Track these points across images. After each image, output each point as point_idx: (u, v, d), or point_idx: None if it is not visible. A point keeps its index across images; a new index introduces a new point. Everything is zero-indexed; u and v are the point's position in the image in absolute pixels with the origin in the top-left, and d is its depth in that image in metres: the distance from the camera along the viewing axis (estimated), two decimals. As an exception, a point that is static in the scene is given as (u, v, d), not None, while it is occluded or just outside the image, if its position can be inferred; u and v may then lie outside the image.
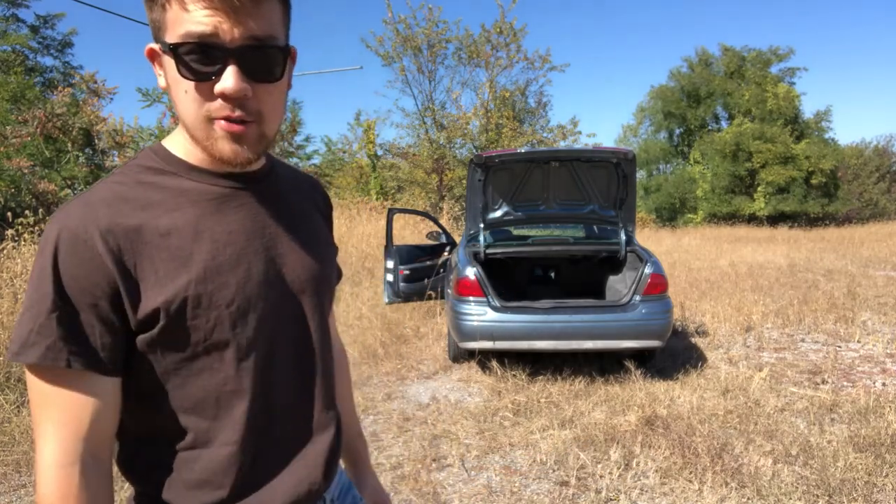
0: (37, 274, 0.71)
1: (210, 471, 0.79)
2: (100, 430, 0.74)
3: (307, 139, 15.75)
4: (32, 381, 0.72)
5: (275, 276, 0.82)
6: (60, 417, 0.72)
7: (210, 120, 0.73)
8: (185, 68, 0.71)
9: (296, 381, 0.86)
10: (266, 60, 0.73)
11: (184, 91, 0.72)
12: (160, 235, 0.74)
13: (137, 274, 0.73)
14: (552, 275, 6.04)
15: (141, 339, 0.75)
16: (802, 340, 5.83)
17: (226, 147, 0.74)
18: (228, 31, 0.69)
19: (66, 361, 0.70)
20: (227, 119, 0.73)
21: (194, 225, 0.77)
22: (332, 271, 0.94)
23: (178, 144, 0.81)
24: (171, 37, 0.71)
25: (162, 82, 0.77)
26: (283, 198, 0.88)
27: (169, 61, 0.72)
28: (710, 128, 32.57)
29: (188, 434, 0.79)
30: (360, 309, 6.78)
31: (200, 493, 0.79)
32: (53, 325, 0.70)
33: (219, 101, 0.72)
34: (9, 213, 7.45)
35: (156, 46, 0.75)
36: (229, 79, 0.70)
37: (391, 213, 6.41)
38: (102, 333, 0.72)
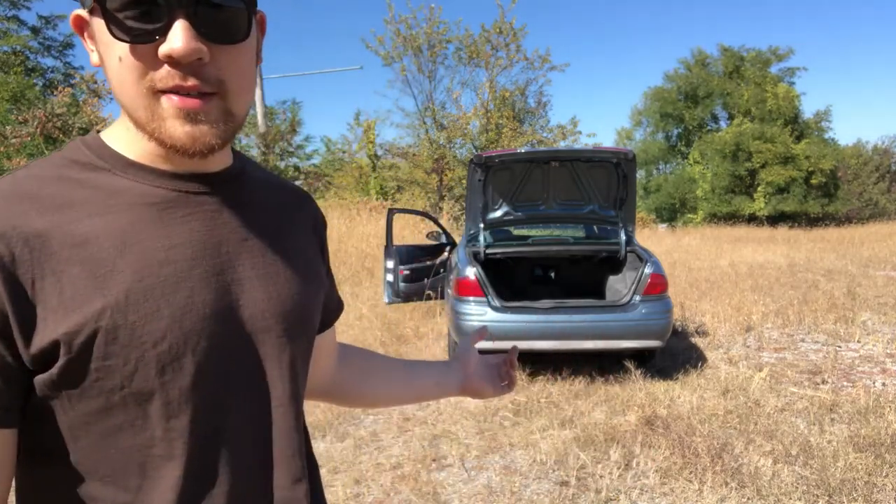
0: None
1: None
2: None
3: (307, 139, 15.76)
4: None
5: (227, 309, 0.62)
6: None
7: (155, 93, 0.55)
8: (117, 27, 0.54)
9: (250, 448, 0.65)
10: (225, 15, 0.56)
11: (117, 58, 0.55)
12: (73, 245, 0.56)
13: (35, 294, 0.54)
14: (552, 275, 6.05)
15: (39, 379, 0.56)
16: (802, 340, 5.83)
17: (178, 129, 0.56)
18: None
19: None
20: (178, 91, 0.55)
21: (122, 235, 0.58)
22: (312, 305, 0.72)
23: (118, 136, 0.63)
24: None
25: (95, 58, 0.60)
26: (253, 208, 0.68)
27: (98, 23, 0.56)
28: (709, 128, 32.59)
29: None
30: (360, 309, 6.78)
31: None
32: None
33: (165, 68, 0.54)
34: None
35: (83, 12, 0.58)
36: (177, 36, 0.53)
37: (391, 213, 6.41)
38: None
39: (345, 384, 0.94)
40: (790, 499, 2.79)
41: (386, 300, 6.25)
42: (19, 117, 9.54)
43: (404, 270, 6.16)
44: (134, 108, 0.57)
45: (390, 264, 6.12)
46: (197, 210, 0.63)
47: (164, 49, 0.54)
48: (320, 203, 13.59)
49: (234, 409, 0.63)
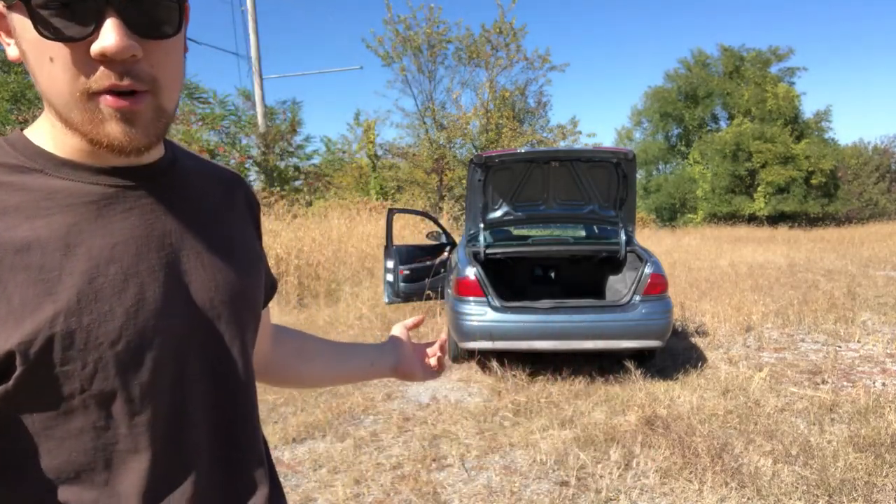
0: None
1: None
2: None
3: (307, 139, 15.71)
4: None
5: (179, 300, 0.63)
6: None
7: (90, 96, 0.54)
8: (45, 27, 0.52)
9: (213, 434, 0.66)
10: (155, 10, 0.55)
11: (48, 59, 0.53)
12: (15, 251, 0.54)
13: None
14: (552, 275, 6.05)
15: None
16: (802, 340, 5.83)
17: (116, 129, 0.55)
18: None
19: None
20: (114, 91, 0.54)
21: (64, 237, 0.57)
22: (256, 288, 0.74)
23: (44, 133, 0.60)
24: None
25: (13, 52, 0.57)
26: (190, 197, 0.68)
27: (21, 20, 0.53)
28: (709, 128, 32.58)
29: None
30: (360, 309, 6.78)
31: None
32: None
33: (100, 69, 0.53)
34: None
35: None
36: (110, 34, 0.52)
37: (391, 213, 6.41)
38: None
39: (280, 364, 0.94)
40: (790, 499, 2.79)
41: (386, 300, 6.25)
42: (19, 117, 9.53)
43: (404, 270, 6.16)
44: (68, 109, 0.55)
45: (390, 264, 6.12)
46: (136, 205, 0.62)
47: (96, 47, 0.52)
48: (320, 203, 13.63)
49: (195, 396, 0.64)
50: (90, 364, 0.56)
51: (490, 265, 5.27)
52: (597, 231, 5.76)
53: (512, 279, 5.83)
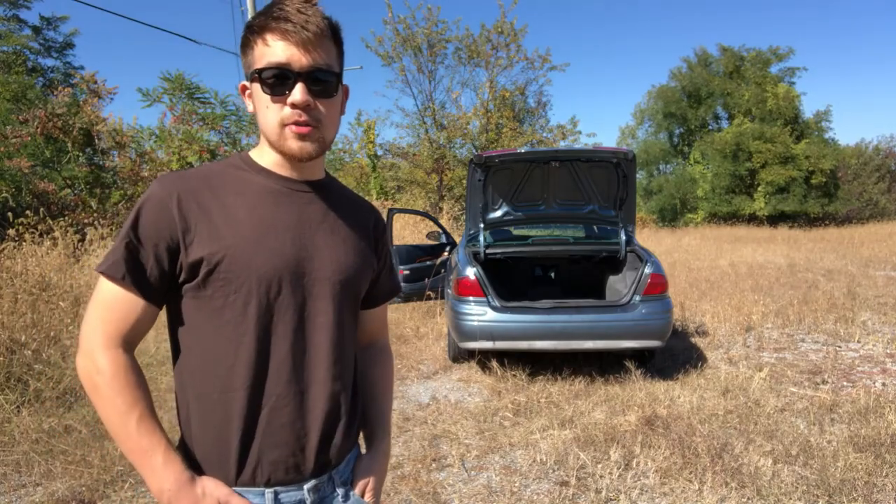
0: (130, 215, 0.96)
1: (225, 414, 0.97)
2: (136, 332, 0.97)
3: (307, 139, 15.65)
4: (100, 283, 0.96)
5: (302, 260, 1.01)
6: (111, 315, 0.95)
7: (283, 125, 0.97)
8: (267, 87, 0.96)
9: (296, 347, 1.00)
10: (324, 82, 0.97)
11: (265, 106, 0.97)
12: (220, 206, 0.97)
13: (196, 230, 0.95)
14: (552, 275, 6.04)
15: (187, 287, 0.97)
16: (802, 340, 5.83)
17: (294, 144, 0.98)
18: (298, 60, 0.95)
19: (122, 274, 0.93)
20: (296, 123, 0.96)
21: (250, 207, 0.99)
22: (361, 277, 1.11)
23: (258, 153, 1.06)
24: (258, 65, 0.96)
25: (250, 107, 1.03)
26: (332, 208, 1.08)
27: (256, 86, 0.98)
28: (710, 128, 32.53)
29: (214, 378, 0.97)
30: (360, 309, 6.77)
31: (216, 433, 0.97)
32: (122, 249, 0.94)
33: (289, 110, 0.96)
34: (9, 213, 7.45)
35: (246, 83, 1.02)
36: (297, 93, 0.95)
37: (391, 213, 6.41)
38: (153, 267, 0.95)
39: (360, 367, 1.24)
40: (790, 499, 2.79)
41: (386, 300, 6.24)
42: (20, 117, 9.52)
43: (404, 270, 6.16)
44: (271, 133, 0.99)
45: (390, 264, 6.11)
46: (296, 202, 1.03)
47: (290, 100, 0.95)
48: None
49: (296, 321, 1.00)
50: (241, 277, 0.95)
51: (490, 265, 5.27)
52: (597, 231, 5.75)
53: (512, 279, 5.82)
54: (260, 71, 0.95)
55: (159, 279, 0.96)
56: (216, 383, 0.97)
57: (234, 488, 0.97)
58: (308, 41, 0.94)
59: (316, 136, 0.98)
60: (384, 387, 1.27)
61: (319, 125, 0.98)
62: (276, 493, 0.99)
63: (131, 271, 0.94)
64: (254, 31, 0.97)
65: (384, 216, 7.13)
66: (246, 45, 0.99)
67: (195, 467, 0.98)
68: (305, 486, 1.02)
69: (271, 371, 0.98)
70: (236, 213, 0.97)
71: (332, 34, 1.00)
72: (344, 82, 1.05)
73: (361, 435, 1.22)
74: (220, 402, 0.97)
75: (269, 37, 0.95)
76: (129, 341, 0.96)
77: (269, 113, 0.97)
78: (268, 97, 0.96)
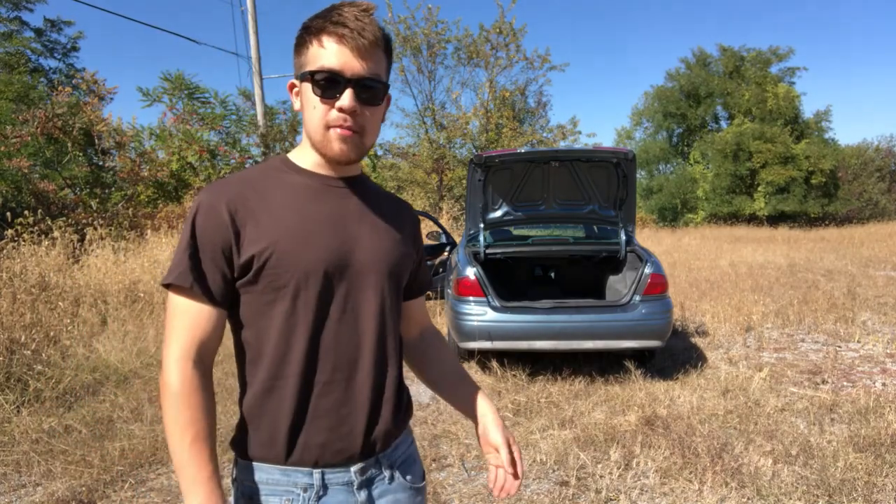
0: (185, 227, 1.00)
1: (277, 400, 1.02)
2: (208, 341, 1.00)
3: (308, 138, 15.65)
4: (170, 298, 1.00)
5: (346, 252, 1.05)
6: (184, 324, 0.98)
7: (328, 127, 1.00)
8: (318, 88, 0.99)
9: (347, 338, 1.05)
10: (372, 90, 1.00)
11: (313, 107, 1.00)
12: (265, 207, 1.01)
13: (246, 232, 0.99)
14: (552, 275, 6.04)
15: (240, 283, 1.01)
16: (802, 340, 5.83)
17: (336, 146, 1.01)
18: (350, 67, 0.97)
19: (190, 284, 0.97)
20: (341, 126, 1.00)
21: (292, 204, 1.03)
22: (402, 266, 1.15)
23: (298, 155, 1.10)
24: (311, 67, 0.99)
25: (297, 105, 1.06)
26: (369, 201, 1.12)
27: (306, 86, 1.01)
28: (710, 128, 32.52)
29: (269, 368, 1.02)
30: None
31: (268, 418, 1.02)
32: (186, 260, 0.98)
33: (336, 113, 0.99)
34: (8, 214, 7.46)
35: (296, 81, 1.05)
36: (346, 98, 0.98)
37: (391, 213, 6.39)
38: (214, 273, 0.99)
39: (415, 355, 1.31)
40: (790, 499, 2.79)
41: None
42: (20, 117, 9.52)
43: (404, 270, 6.15)
44: (315, 133, 1.02)
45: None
46: (335, 196, 1.08)
47: (338, 104, 0.98)
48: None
49: (342, 310, 1.05)
50: (290, 271, 0.99)
51: (490, 265, 5.27)
52: (597, 231, 5.75)
53: (512, 279, 5.82)
54: (312, 73, 0.98)
55: (222, 283, 1.00)
56: (271, 371, 1.02)
57: (284, 467, 1.02)
58: (363, 48, 0.97)
59: (357, 141, 1.02)
60: (454, 362, 1.32)
61: (362, 131, 1.02)
62: (323, 473, 1.04)
63: (197, 280, 0.98)
64: (311, 31, 1.00)
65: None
66: (301, 44, 1.02)
67: (250, 448, 1.03)
68: (352, 468, 1.06)
69: (320, 359, 1.03)
70: (280, 211, 1.01)
71: (385, 45, 1.03)
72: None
73: (462, 413, 1.26)
74: (273, 388, 1.02)
75: (326, 39, 0.98)
76: (202, 353, 0.99)
77: (317, 113, 1.00)
78: (317, 98, 0.99)
